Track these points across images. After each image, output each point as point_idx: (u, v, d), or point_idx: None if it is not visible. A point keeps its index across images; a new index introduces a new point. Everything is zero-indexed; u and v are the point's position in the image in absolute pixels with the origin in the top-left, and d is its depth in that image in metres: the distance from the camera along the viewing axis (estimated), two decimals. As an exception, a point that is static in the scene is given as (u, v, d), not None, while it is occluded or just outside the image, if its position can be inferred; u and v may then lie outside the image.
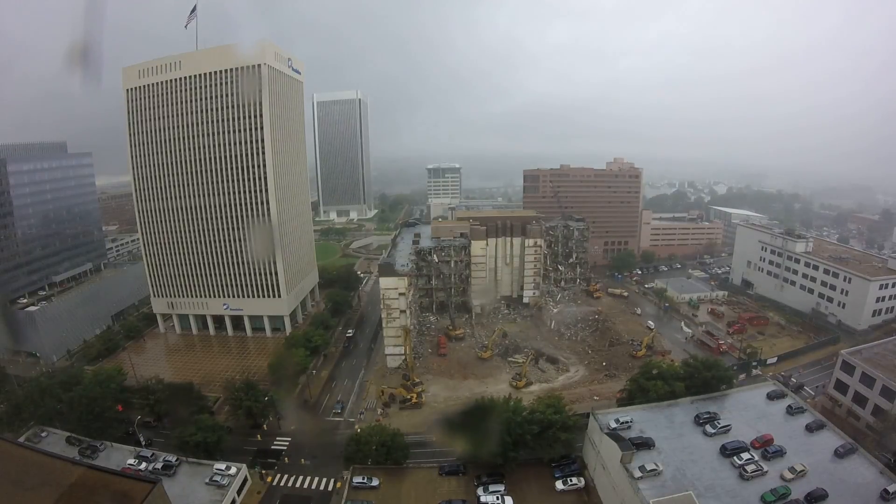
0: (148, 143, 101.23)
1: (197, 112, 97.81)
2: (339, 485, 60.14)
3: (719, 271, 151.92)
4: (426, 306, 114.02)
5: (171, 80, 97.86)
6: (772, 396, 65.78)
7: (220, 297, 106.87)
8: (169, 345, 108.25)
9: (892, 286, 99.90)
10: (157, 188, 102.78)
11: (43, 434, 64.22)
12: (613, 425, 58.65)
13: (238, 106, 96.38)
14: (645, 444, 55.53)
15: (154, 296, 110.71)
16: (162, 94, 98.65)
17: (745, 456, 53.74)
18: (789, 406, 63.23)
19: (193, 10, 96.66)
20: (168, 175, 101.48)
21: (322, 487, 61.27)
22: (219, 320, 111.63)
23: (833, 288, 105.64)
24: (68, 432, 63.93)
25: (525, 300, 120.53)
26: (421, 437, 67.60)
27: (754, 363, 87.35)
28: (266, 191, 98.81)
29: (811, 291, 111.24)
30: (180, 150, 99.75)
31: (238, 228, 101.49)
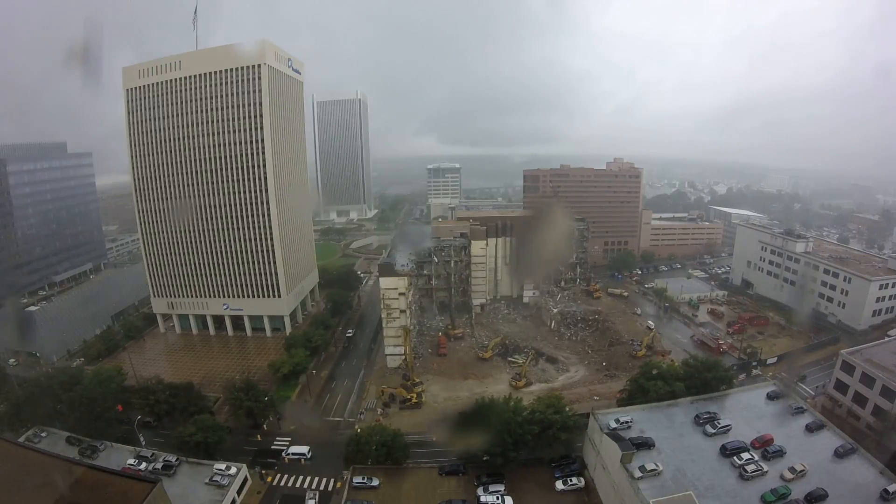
0: (148, 143, 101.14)
1: (197, 112, 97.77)
2: (339, 485, 60.17)
3: (719, 271, 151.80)
4: (426, 306, 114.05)
5: (171, 80, 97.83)
6: (772, 396, 65.79)
7: (220, 297, 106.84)
8: (169, 345, 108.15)
9: (892, 286, 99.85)
10: (157, 188, 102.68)
11: (43, 434, 64.09)
12: (613, 425, 58.62)
13: (238, 106, 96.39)
14: (645, 444, 55.51)
15: (154, 296, 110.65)
16: (162, 94, 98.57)
17: (745, 456, 53.75)
18: (789, 406, 63.25)
19: (195, 11, 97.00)
20: (168, 175, 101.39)
21: (322, 487, 61.27)
22: (219, 320, 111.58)
23: (833, 288, 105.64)
24: (68, 432, 63.86)
25: (525, 300, 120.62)
26: (421, 436, 67.59)
27: (754, 363, 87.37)
28: (266, 191, 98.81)
29: (811, 291, 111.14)
30: (180, 150, 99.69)
31: (238, 228, 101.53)
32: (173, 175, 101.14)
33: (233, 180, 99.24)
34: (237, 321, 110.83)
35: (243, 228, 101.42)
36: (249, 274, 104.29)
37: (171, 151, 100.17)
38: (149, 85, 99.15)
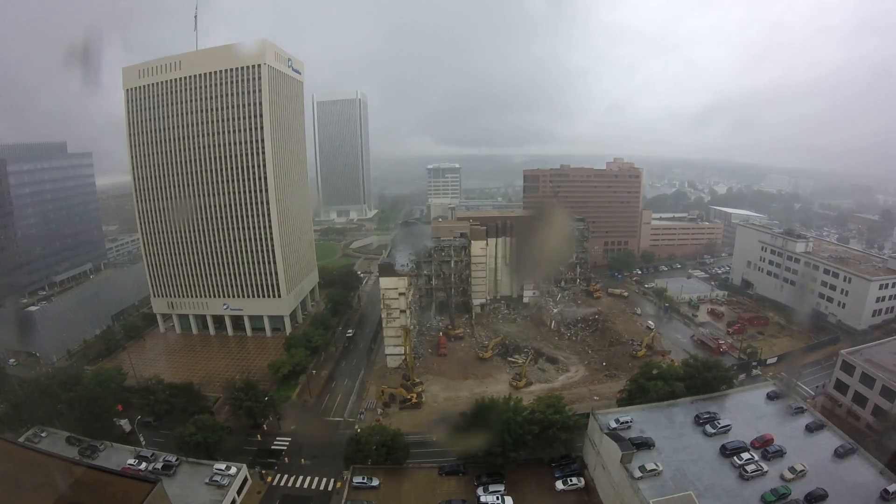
0: (148, 143, 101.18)
1: (197, 112, 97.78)
2: (339, 485, 60.17)
3: (719, 271, 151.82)
4: (426, 306, 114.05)
5: (171, 80, 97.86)
6: (772, 396, 65.81)
7: (220, 297, 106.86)
8: (169, 345, 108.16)
9: (892, 286, 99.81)
10: (157, 188, 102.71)
11: (43, 434, 64.13)
12: (613, 425, 58.63)
13: (238, 106, 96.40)
14: (645, 444, 55.53)
15: (154, 296, 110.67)
16: (162, 94, 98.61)
17: (745, 456, 53.77)
18: (789, 406, 63.29)
19: (195, 10, 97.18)
20: (168, 175, 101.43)
21: (322, 487, 61.28)
22: (219, 320, 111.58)
23: (833, 288, 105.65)
24: (68, 432, 63.91)
25: (525, 300, 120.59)
26: (421, 436, 67.63)
27: (754, 363, 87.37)
28: (266, 191, 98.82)
29: (811, 291, 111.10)
30: (180, 150, 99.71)
31: (238, 228, 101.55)
32: (173, 175, 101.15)
33: (233, 180, 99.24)
34: (237, 321, 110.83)
35: (243, 228, 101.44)
36: (249, 274, 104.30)
37: (171, 151, 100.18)
38: (149, 85, 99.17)
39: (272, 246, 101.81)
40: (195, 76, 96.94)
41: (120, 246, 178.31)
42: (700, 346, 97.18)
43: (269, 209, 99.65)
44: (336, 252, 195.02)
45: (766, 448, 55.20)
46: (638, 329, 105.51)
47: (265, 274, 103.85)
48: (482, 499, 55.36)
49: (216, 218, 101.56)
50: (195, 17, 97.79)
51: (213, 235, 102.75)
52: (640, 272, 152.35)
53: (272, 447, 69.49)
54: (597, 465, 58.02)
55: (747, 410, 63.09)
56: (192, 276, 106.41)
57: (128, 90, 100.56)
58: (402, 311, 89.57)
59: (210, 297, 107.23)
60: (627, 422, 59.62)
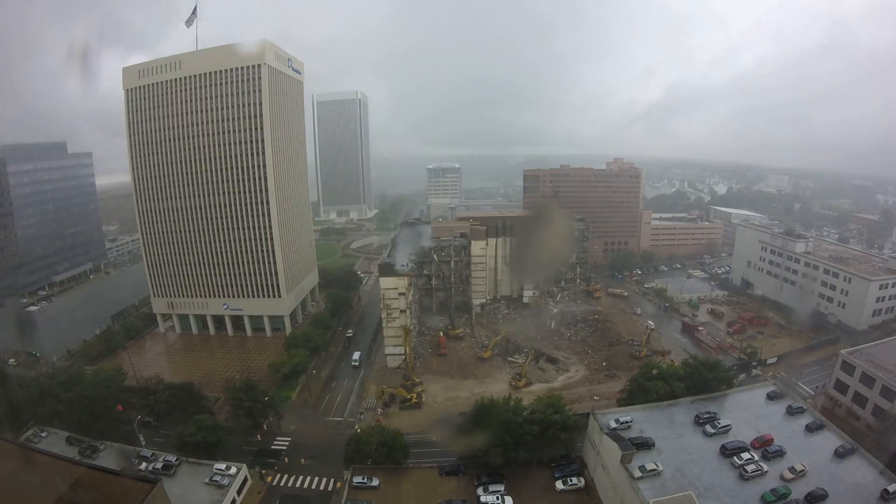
0: (148, 143, 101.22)
1: (197, 112, 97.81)
2: (339, 485, 60.16)
3: (719, 271, 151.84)
4: (426, 306, 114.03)
5: (171, 80, 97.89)
6: (772, 396, 65.83)
7: (220, 297, 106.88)
8: (169, 345, 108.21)
9: (892, 286, 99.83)
10: (157, 188, 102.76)
11: (43, 434, 64.18)
12: (613, 425, 58.64)
13: (238, 106, 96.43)
14: (645, 444, 55.52)
15: (154, 296, 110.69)
16: (162, 94, 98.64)
17: (745, 456, 53.74)
18: (789, 406, 63.28)
19: (194, 10, 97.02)
20: (168, 175, 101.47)
21: (322, 487, 61.28)
22: (219, 320, 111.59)
23: (833, 288, 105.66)
24: (68, 432, 63.89)
25: (525, 300, 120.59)
26: (421, 436, 67.59)
27: (754, 363, 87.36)
28: (266, 191, 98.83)
29: (811, 291, 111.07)
30: (180, 150, 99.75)
31: (238, 228, 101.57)
32: (173, 175, 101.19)
33: (233, 180, 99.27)
34: (237, 321, 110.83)
35: (243, 228, 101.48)
36: (249, 274, 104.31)
37: (171, 151, 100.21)
38: (149, 85, 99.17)
39: (272, 246, 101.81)
40: (195, 76, 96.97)
41: (120, 246, 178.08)
42: (686, 328, 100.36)
43: (269, 209, 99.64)
44: (336, 252, 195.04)
45: (766, 448, 55.20)
46: (638, 329, 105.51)
47: (265, 274, 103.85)
48: (482, 499, 55.38)
49: (216, 218, 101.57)
50: (194, 13, 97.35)
51: (213, 235, 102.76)
52: (639, 272, 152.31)
53: (272, 447, 69.50)
54: (597, 465, 58.02)
55: (747, 410, 63.10)
56: (192, 276, 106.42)
57: (128, 90, 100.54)
58: (402, 311, 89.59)
59: (210, 297, 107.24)
60: (627, 422, 59.63)
